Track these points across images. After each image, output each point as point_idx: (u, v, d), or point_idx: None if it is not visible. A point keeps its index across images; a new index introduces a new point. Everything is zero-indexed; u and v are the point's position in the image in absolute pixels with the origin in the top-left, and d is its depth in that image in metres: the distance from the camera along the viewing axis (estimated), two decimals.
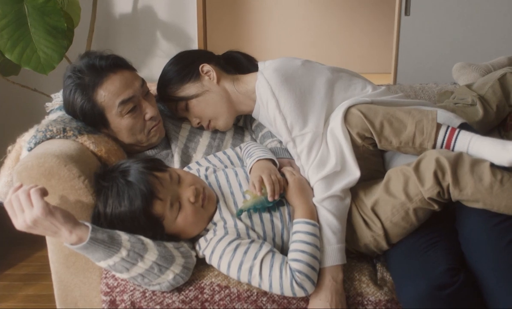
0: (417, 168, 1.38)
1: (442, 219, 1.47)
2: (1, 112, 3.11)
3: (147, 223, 1.33)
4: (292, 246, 1.36)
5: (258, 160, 1.52)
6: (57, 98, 1.90)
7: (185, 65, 1.76)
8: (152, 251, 1.31)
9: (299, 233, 1.37)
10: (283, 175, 1.52)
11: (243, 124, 1.92)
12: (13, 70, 2.58)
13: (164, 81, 1.77)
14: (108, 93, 1.55)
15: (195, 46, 3.08)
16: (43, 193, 1.24)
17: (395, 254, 1.45)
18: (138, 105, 1.61)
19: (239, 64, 1.86)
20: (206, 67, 1.75)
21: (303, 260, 1.32)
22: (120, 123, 1.59)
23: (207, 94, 1.74)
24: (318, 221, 1.44)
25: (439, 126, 1.45)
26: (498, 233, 1.32)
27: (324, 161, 1.51)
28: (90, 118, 1.58)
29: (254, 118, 1.87)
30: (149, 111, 1.63)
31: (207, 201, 1.42)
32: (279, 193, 1.43)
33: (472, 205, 1.34)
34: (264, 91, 1.61)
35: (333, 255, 1.41)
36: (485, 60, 2.36)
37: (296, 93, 1.59)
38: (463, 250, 1.38)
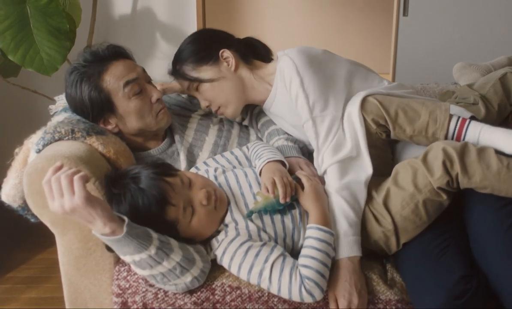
0: (424, 159, 1.43)
1: (448, 216, 1.48)
2: (1, 113, 3.09)
3: (162, 229, 1.32)
4: (303, 251, 1.36)
5: (268, 162, 1.52)
6: (61, 100, 1.89)
7: (205, 47, 1.75)
8: (177, 251, 1.31)
9: (311, 239, 1.37)
10: (295, 178, 1.52)
11: (249, 122, 1.92)
12: (12, 72, 2.57)
13: (181, 58, 1.75)
14: (113, 77, 1.59)
15: None
16: (86, 180, 1.20)
17: (406, 261, 1.46)
18: (143, 89, 1.63)
19: (257, 52, 1.86)
20: (226, 53, 1.74)
21: (313, 267, 1.32)
22: (128, 106, 1.61)
23: (223, 81, 1.73)
24: (332, 211, 1.46)
25: (450, 116, 1.51)
26: (501, 216, 1.36)
27: (340, 145, 1.54)
28: (98, 106, 1.59)
29: (260, 117, 1.89)
30: (155, 94, 1.65)
31: (219, 202, 1.42)
32: (291, 195, 1.44)
33: (480, 191, 1.39)
34: (288, 70, 1.62)
35: (349, 247, 1.42)
36: (484, 60, 2.38)
37: (319, 76, 1.61)
38: (470, 238, 1.41)
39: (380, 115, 1.52)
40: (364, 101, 1.54)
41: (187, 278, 1.33)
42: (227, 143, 1.77)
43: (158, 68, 2.98)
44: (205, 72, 1.72)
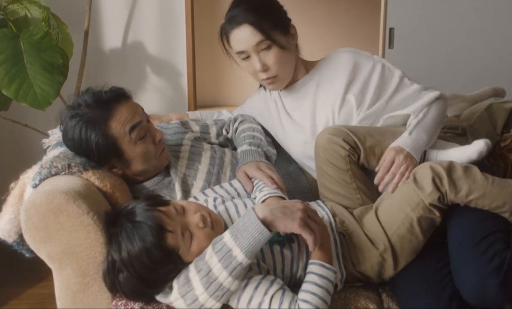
0: (414, 179, 1.51)
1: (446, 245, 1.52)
2: None
3: (165, 257, 1.32)
4: (304, 286, 1.36)
5: (270, 196, 1.54)
6: (54, 135, 1.90)
7: (280, 14, 1.76)
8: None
9: (313, 274, 1.37)
10: None
11: (231, 134, 1.98)
12: (3, 106, 2.56)
13: (261, 10, 1.69)
14: (119, 124, 1.58)
15: (184, 80, 3.12)
16: None
17: (408, 290, 1.48)
18: (147, 131, 1.64)
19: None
20: (294, 29, 1.78)
21: (313, 302, 1.31)
22: (134, 151, 1.61)
23: (287, 53, 1.75)
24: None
25: None
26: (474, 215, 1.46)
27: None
28: (104, 152, 1.58)
29: (238, 127, 1.96)
30: (158, 134, 1.67)
31: (215, 223, 1.42)
32: None
33: (466, 205, 1.47)
34: (356, 56, 1.84)
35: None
36: (469, 90, 2.44)
37: None
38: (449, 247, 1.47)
39: (349, 137, 1.61)
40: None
41: (215, 306, 1.32)
42: (220, 171, 1.78)
43: (148, 102, 3.01)
44: (278, 37, 1.70)
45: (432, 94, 1.74)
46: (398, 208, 1.51)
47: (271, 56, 1.71)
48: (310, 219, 1.36)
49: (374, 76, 1.78)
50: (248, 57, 1.72)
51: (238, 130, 1.95)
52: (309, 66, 1.88)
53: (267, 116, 1.98)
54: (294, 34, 1.79)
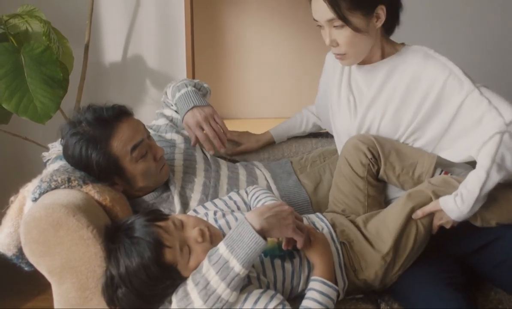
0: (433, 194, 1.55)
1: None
2: None
3: (163, 273, 1.32)
4: (304, 303, 1.36)
5: None
6: (54, 148, 1.90)
7: None
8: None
9: (313, 291, 1.37)
10: None
11: None
12: (3, 119, 2.57)
13: None
14: (120, 142, 1.58)
15: None
16: None
17: (419, 291, 1.49)
18: (148, 149, 1.64)
19: (392, 25, 1.73)
20: (382, 11, 1.61)
21: None
22: (136, 169, 1.62)
23: (364, 36, 1.62)
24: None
25: (436, 164, 1.63)
26: None
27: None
28: (105, 170, 1.59)
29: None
30: (159, 151, 1.67)
31: (214, 237, 1.42)
32: (293, 243, 1.44)
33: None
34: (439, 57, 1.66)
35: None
36: None
37: None
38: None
39: (375, 149, 1.63)
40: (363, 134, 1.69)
41: None
42: (217, 184, 1.79)
43: (148, 115, 3.01)
44: (356, 19, 1.57)
45: (493, 127, 1.51)
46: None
47: (342, 36, 1.61)
48: (297, 219, 1.41)
49: (442, 93, 1.62)
50: (321, 26, 1.65)
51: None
52: (386, 53, 1.73)
53: (330, 76, 1.89)
54: (380, 16, 1.62)
